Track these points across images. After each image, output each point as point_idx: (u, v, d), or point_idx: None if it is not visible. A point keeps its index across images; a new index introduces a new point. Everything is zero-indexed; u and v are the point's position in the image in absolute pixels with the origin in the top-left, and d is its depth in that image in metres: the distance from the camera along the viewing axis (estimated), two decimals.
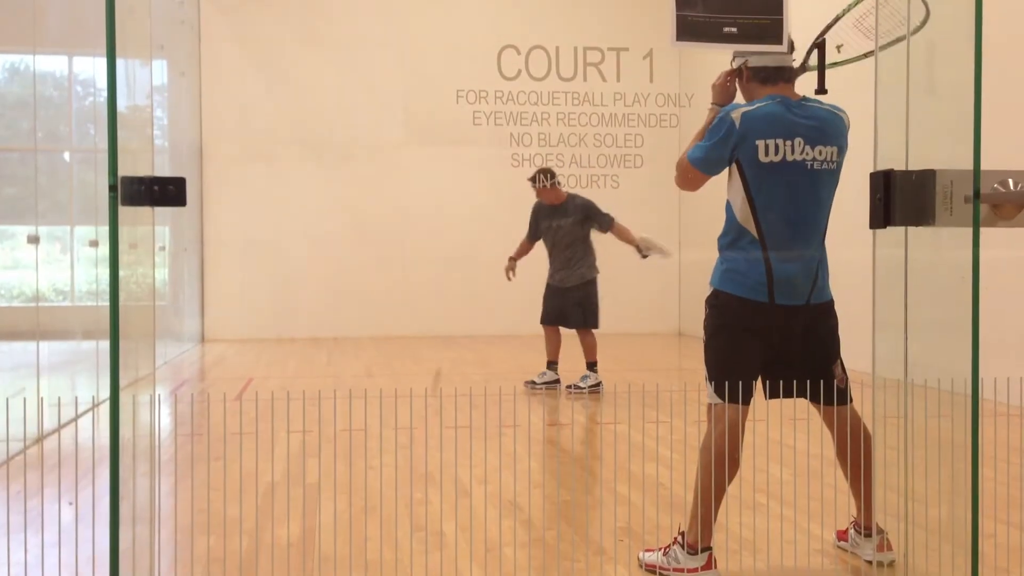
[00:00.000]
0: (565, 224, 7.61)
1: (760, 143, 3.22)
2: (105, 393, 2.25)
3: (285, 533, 3.82)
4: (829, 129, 3.28)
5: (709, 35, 2.55)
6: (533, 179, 7.57)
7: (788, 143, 3.22)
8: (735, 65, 3.37)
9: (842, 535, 3.64)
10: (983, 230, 2.03)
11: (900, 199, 1.93)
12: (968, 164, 1.98)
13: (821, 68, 2.53)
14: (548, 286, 7.78)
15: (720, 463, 3.25)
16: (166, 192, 2.00)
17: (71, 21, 7.51)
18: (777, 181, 3.25)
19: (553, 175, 7.39)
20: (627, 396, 7.06)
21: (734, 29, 2.54)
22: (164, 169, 10.56)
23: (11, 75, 12.20)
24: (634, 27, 5.24)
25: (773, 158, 3.23)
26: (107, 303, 2.02)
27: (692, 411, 5.13)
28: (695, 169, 3.39)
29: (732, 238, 3.38)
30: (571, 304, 7.62)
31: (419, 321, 12.65)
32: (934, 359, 2.42)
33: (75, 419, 5.68)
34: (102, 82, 10.63)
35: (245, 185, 12.50)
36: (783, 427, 4.40)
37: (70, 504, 3.93)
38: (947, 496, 2.92)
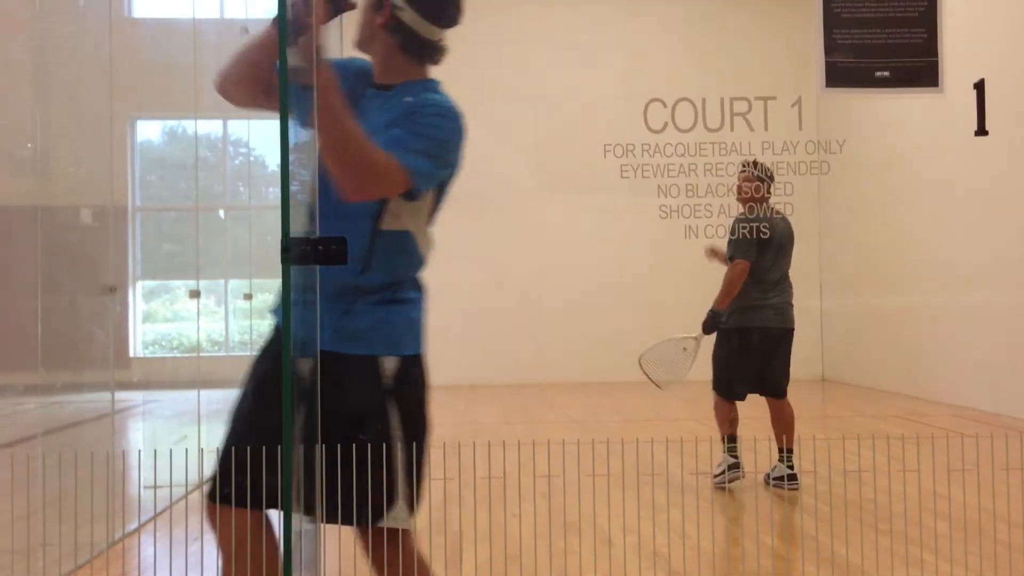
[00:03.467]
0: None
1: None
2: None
3: None
4: None
5: (860, 80, 2.51)
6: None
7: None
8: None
9: None
10: None
11: None
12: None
13: (981, 108, 2.46)
14: (752, 331, 5.79)
15: None
16: (330, 251, 2.10)
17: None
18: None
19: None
20: (771, 443, 6.87)
21: (886, 73, 2.49)
22: (303, 224, 10.99)
23: (170, 139, 13.00)
24: (781, 75, 5.19)
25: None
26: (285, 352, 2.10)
27: (836, 459, 4.95)
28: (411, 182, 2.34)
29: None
30: (780, 360, 5.90)
31: (554, 369, 12.69)
32: None
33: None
34: (254, 142, 11.20)
35: None
36: (950, 480, 4.19)
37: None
38: None
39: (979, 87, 2.40)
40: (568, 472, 3.73)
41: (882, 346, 11.27)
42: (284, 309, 1.93)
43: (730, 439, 5.71)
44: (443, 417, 2.62)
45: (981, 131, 2.95)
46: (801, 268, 5.95)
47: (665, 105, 2.62)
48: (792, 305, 5.87)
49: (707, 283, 8.65)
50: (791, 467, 5.56)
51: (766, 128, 2.87)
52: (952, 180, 9.53)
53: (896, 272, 10.93)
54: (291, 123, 2.16)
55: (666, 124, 2.62)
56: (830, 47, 2.61)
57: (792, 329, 5.85)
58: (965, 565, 3.79)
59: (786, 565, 4.00)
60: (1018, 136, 7.15)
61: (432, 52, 2.47)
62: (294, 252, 2.04)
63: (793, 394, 10.97)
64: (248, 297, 8.02)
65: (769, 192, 5.28)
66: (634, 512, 4.82)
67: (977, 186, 9.04)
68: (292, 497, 1.94)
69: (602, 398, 10.97)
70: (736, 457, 5.58)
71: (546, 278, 12.99)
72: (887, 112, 10.57)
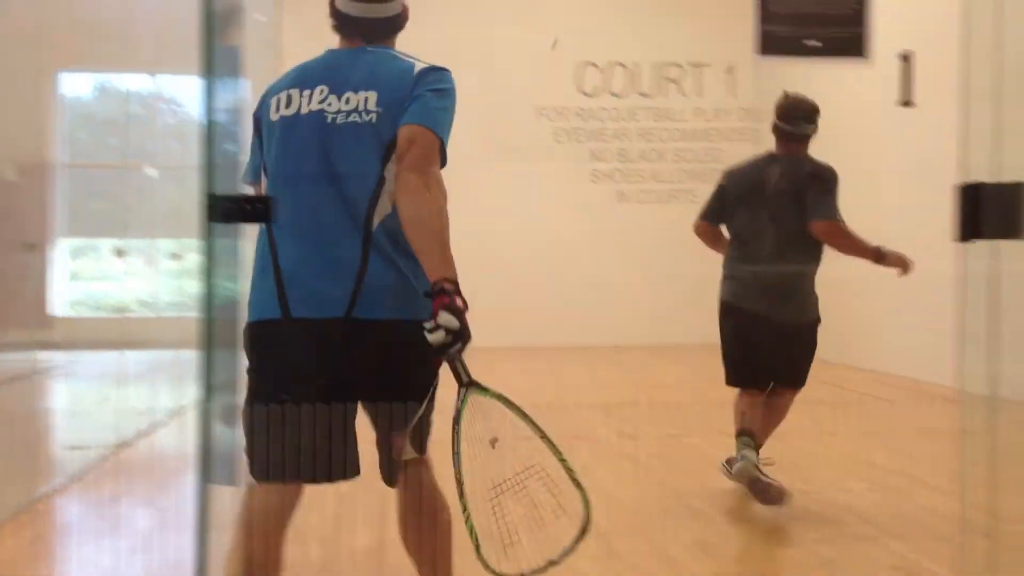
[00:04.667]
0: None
1: (273, 100, 2.45)
2: (186, 402, 2.32)
3: (359, 542, 3.87)
4: (371, 71, 2.44)
5: (792, 49, 2.53)
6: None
7: (306, 92, 2.40)
8: None
9: None
10: None
11: (989, 212, 1.90)
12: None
13: (906, 79, 2.47)
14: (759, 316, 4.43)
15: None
16: (255, 210, 2.06)
17: (158, 42, 7.75)
18: (287, 140, 2.38)
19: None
20: (702, 408, 6.99)
21: (817, 43, 2.52)
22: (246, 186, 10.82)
23: (100, 94, 12.61)
24: (715, 42, 5.16)
25: (285, 112, 2.40)
26: (190, 314, 2.08)
27: None
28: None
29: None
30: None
31: (494, 333, 12.70)
32: (1022, 374, 2.36)
33: (158, 427, 5.83)
34: (186, 100, 10.94)
35: None
36: (871, 443, 4.31)
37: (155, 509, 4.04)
38: None
39: (905, 59, 2.43)
40: (503, 435, 3.72)
41: None
42: (205, 271, 1.89)
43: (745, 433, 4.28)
44: None
45: (906, 102, 2.97)
46: None
47: (599, 69, 2.61)
48: (736, 279, 4.57)
49: (638, 246, 8.58)
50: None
51: (699, 94, 2.87)
52: (880, 151, 9.71)
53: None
54: (220, 80, 2.10)
55: (599, 89, 2.60)
56: (766, 16, 2.62)
57: (742, 308, 4.50)
58: (883, 526, 3.91)
59: (709, 525, 4.08)
60: (944, 108, 7.28)
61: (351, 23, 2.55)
62: (216, 210, 1.99)
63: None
64: (176, 257, 7.87)
65: (788, 136, 4.44)
66: (563, 474, 4.87)
67: (903, 157, 9.23)
68: (207, 461, 1.91)
69: (539, 363, 11.02)
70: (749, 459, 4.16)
71: (477, 244, 12.94)
72: (821, 82, 10.70)
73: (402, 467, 2.42)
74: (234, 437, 2.28)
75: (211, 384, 1.91)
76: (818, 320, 4.53)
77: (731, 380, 4.46)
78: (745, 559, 3.62)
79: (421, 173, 2.27)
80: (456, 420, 2.22)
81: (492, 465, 2.19)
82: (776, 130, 4.45)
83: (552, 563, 2.15)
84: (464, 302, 2.24)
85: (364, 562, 3.64)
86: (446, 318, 2.19)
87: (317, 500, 4.43)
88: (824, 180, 4.37)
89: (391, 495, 4.50)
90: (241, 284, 2.58)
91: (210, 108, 1.99)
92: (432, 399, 2.35)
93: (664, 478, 5.05)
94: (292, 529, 3.99)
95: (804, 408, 3.95)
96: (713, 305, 4.98)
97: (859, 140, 10.09)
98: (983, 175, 2.03)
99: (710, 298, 5.75)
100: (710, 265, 7.07)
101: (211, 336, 1.89)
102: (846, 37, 2.59)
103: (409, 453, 2.40)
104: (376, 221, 2.31)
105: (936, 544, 3.59)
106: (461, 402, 2.25)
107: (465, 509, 2.21)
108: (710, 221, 4.61)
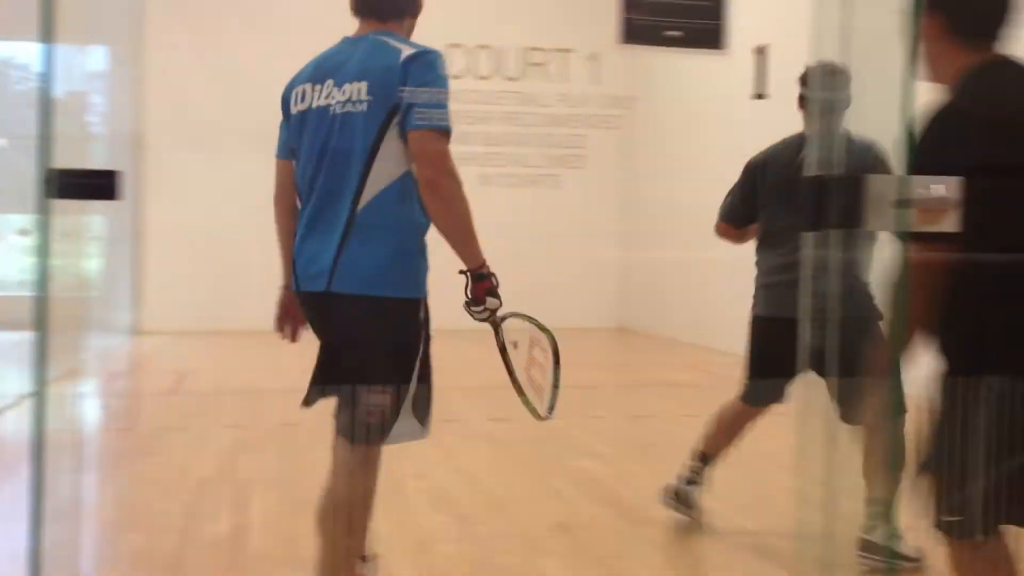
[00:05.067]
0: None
1: (293, 94, 2.72)
2: (31, 387, 2.21)
3: (215, 530, 3.77)
4: (363, 61, 2.58)
5: (653, 38, 2.57)
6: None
7: (318, 87, 2.63)
8: None
9: None
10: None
11: (832, 203, 1.98)
12: (897, 171, 2.03)
13: (759, 72, 2.54)
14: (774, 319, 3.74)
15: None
16: (100, 185, 1.97)
17: (7, 4, 7.31)
18: (303, 133, 2.67)
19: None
20: (569, 392, 7.09)
21: (678, 33, 2.57)
22: (101, 158, 10.38)
23: None
24: (580, 28, 5.23)
25: (300, 107, 2.67)
26: (38, 294, 1.97)
27: (626, 405, 5.15)
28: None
29: None
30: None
31: None
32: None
33: (1, 413, 5.55)
34: (38, 67, 10.41)
35: (186, 175, 12.29)
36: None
37: None
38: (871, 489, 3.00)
39: (759, 52, 2.49)
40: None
41: (676, 298, 11.78)
42: (41, 249, 1.80)
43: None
44: (241, 363, 2.56)
45: (759, 95, 3.02)
46: (602, 223, 6.01)
47: (464, 50, 2.61)
48: (771, 287, 3.79)
49: (501, 230, 8.53)
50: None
51: (563, 80, 2.89)
52: (736, 142, 10.03)
53: (689, 227, 11.43)
54: (66, 47, 2.00)
55: (464, 71, 2.60)
56: (629, 4, 2.65)
57: (783, 319, 3.41)
58: (735, 504, 4.05)
59: (569, 506, 4.15)
60: (796, 101, 7.59)
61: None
62: (57, 184, 1.89)
63: (590, 342, 11.16)
64: (25, 233, 7.48)
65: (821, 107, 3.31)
66: (427, 457, 4.86)
67: (759, 148, 9.57)
68: (42, 450, 1.82)
69: None
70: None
71: None
72: (685, 72, 10.98)
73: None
74: (75, 424, 2.18)
75: (46, 369, 1.82)
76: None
77: (750, 397, 3.89)
78: (605, 540, 3.69)
79: (440, 170, 2.48)
80: (503, 350, 2.71)
81: (516, 356, 2.75)
82: (804, 103, 3.74)
83: (555, 387, 2.77)
84: (496, 279, 2.62)
85: (213, 551, 3.55)
86: (492, 301, 2.62)
87: (172, 489, 4.31)
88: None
89: (252, 485, 4.39)
90: (88, 262, 2.45)
91: (49, 76, 1.88)
92: (424, 376, 2.67)
93: (530, 461, 5.11)
94: (146, 519, 3.85)
95: (667, 391, 4.05)
96: (577, 289, 5.07)
97: (716, 130, 10.41)
98: (828, 168, 2.12)
99: (572, 282, 5.84)
100: (573, 250, 7.23)
101: (45, 318, 1.79)
102: (705, 29, 2.64)
103: (417, 431, 2.67)
104: (362, 203, 2.52)
105: (781, 520, 3.74)
106: (503, 337, 2.70)
107: (522, 395, 2.74)
108: (736, 224, 3.95)
